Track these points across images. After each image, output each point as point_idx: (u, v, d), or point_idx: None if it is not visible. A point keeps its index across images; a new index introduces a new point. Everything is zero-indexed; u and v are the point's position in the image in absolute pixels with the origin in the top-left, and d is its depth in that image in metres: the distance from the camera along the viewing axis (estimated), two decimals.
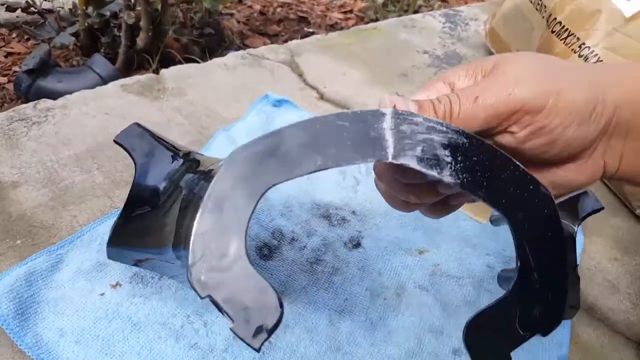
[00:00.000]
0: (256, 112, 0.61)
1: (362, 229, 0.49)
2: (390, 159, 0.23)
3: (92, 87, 0.62)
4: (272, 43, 0.87)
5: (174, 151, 0.38)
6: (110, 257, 0.37)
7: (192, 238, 0.21)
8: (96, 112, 0.57)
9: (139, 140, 0.37)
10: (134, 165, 0.36)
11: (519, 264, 0.24)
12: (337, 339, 0.40)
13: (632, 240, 0.55)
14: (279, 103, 0.62)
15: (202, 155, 0.40)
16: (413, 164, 0.24)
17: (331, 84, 0.70)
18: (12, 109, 0.56)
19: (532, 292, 0.24)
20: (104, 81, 0.72)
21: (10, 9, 1.00)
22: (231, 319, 0.21)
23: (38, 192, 0.46)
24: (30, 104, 0.57)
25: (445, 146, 0.24)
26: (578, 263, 0.50)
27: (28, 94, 0.87)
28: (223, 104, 0.63)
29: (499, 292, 0.45)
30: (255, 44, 0.78)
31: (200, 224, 0.22)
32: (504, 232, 0.51)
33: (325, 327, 0.40)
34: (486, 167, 0.24)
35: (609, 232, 0.55)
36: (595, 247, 0.53)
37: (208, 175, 0.31)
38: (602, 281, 0.49)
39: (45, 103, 0.57)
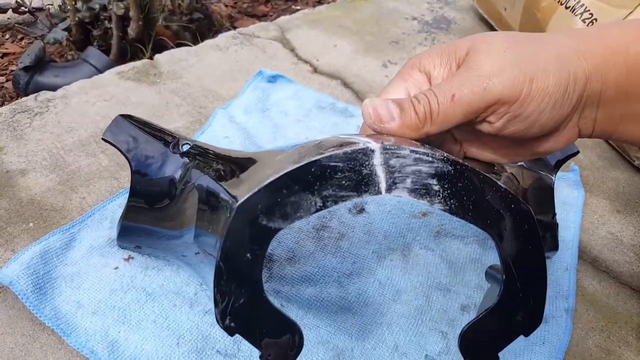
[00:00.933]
0: (252, 89, 0.61)
1: None
2: (384, 193, 0.25)
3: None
4: None
5: (165, 139, 0.38)
6: (122, 246, 0.40)
7: (214, 292, 0.24)
8: (96, 100, 0.58)
9: (124, 133, 0.37)
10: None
11: (504, 277, 0.27)
12: (347, 300, 0.41)
13: (632, 192, 0.55)
14: (273, 79, 0.63)
15: (194, 140, 0.40)
16: (405, 196, 0.25)
17: (323, 57, 0.71)
18: (14, 102, 0.57)
19: (515, 301, 0.27)
20: (100, 72, 0.73)
21: (1, 10, 1.00)
22: (259, 350, 0.25)
23: (46, 177, 0.47)
24: (31, 96, 0.58)
25: (432, 176, 0.25)
26: (580, 218, 0.50)
27: (27, 90, 0.88)
28: (219, 84, 0.63)
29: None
30: (245, 26, 0.78)
31: (219, 279, 0.24)
32: None
33: (335, 289, 0.41)
34: (471, 190, 0.26)
35: (610, 186, 0.55)
36: (596, 201, 0.53)
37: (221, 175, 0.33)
38: (606, 234, 0.50)
39: (45, 95, 0.58)
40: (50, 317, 0.35)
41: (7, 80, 1.00)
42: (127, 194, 0.45)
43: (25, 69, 0.87)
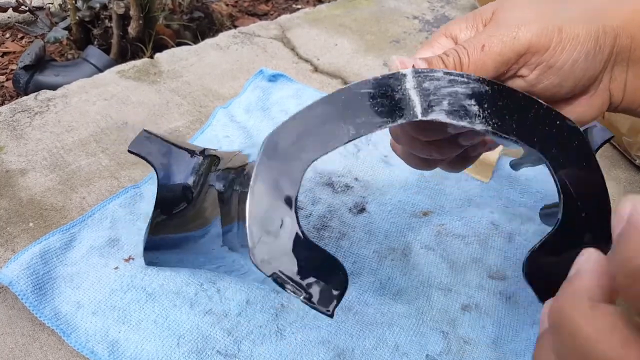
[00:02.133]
0: (252, 88, 0.61)
1: (366, 194, 0.50)
2: (420, 117, 0.24)
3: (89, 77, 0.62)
4: None
5: (189, 150, 0.39)
6: (149, 263, 0.39)
7: (247, 223, 0.22)
8: (96, 99, 0.58)
9: (151, 145, 0.37)
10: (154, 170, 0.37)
11: (562, 197, 0.25)
12: (348, 300, 0.40)
13: (634, 191, 0.55)
14: (274, 78, 0.63)
15: (214, 150, 0.41)
16: (443, 118, 0.24)
17: (324, 56, 0.71)
18: (14, 101, 0.57)
19: (579, 222, 0.25)
20: (100, 71, 0.73)
21: (1, 9, 1.00)
22: (299, 292, 0.22)
23: (46, 177, 0.47)
24: (31, 95, 0.58)
25: (470, 96, 0.24)
26: None
27: (27, 89, 0.87)
28: (219, 83, 0.63)
29: (505, 249, 0.45)
30: (246, 25, 0.78)
31: (252, 208, 0.22)
32: (507, 190, 0.52)
33: None
34: (512, 109, 0.25)
35: (611, 184, 0.55)
36: None
37: (242, 171, 0.32)
38: None
39: (45, 94, 0.58)
40: (50, 317, 0.35)
41: (7, 80, 1.00)
42: (127, 194, 0.45)
43: (26, 68, 0.87)
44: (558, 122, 0.25)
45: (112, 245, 0.41)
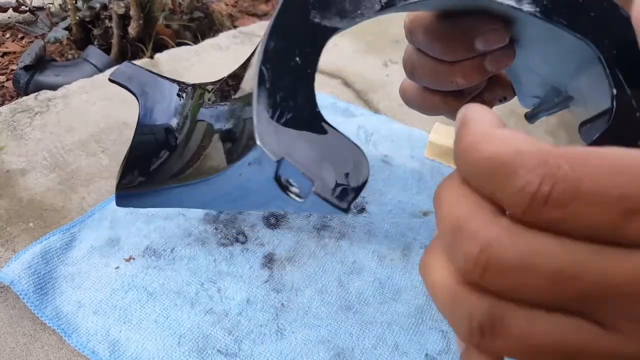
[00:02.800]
0: None
1: (366, 194, 0.50)
2: None
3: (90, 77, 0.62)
4: None
5: (178, 82, 0.34)
6: (120, 204, 0.34)
7: (254, 95, 0.18)
8: (96, 99, 0.58)
9: (136, 76, 0.33)
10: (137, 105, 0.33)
11: (614, 92, 0.23)
12: (348, 299, 0.41)
13: None
14: None
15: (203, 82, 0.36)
16: None
17: (324, 56, 0.69)
18: (14, 101, 0.57)
19: (635, 124, 0.23)
20: (101, 72, 0.73)
21: (1, 9, 1.00)
22: (311, 180, 0.18)
23: (46, 177, 0.47)
24: (31, 95, 0.58)
25: None
26: None
27: (27, 89, 0.88)
28: None
29: None
30: (246, 25, 0.79)
31: (262, 87, 0.18)
32: None
33: (335, 288, 0.41)
34: None
35: None
36: None
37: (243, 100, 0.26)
38: None
39: (45, 94, 0.58)
40: (51, 317, 0.35)
41: (7, 80, 1.00)
42: None
43: (26, 68, 0.87)
44: (610, 10, 0.23)
45: (113, 245, 0.41)
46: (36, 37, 1.00)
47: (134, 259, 0.40)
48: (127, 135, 0.53)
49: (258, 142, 0.18)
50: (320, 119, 0.19)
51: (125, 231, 0.42)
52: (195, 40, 1.05)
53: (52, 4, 1.10)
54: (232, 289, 0.39)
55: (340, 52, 0.72)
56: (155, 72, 0.36)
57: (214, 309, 0.38)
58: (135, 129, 0.32)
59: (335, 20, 0.20)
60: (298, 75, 0.19)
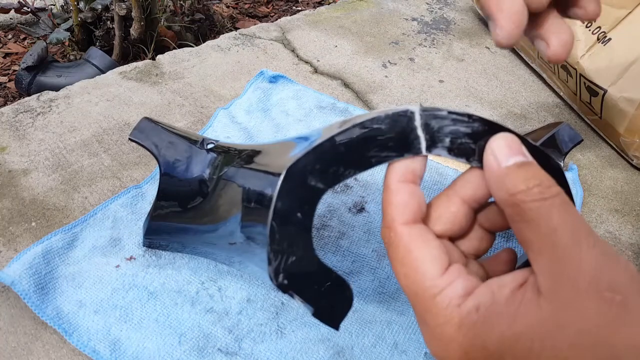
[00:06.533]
0: (253, 89, 0.62)
1: (365, 194, 0.50)
2: (424, 152, 0.26)
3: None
4: None
5: (193, 140, 0.39)
6: (148, 245, 0.41)
7: (267, 250, 0.25)
8: (98, 100, 0.58)
9: (153, 134, 0.38)
10: (152, 156, 0.37)
11: None
12: None
13: (631, 191, 0.55)
14: (274, 79, 0.63)
15: (217, 140, 0.41)
16: (444, 154, 0.26)
17: (324, 57, 0.71)
18: (16, 102, 0.57)
19: None
20: (103, 72, 0.73)
21: (3, 10, 1.01)
22: (311, 308, 0.26)
23: (48, 177, 0.48)
24: (34, 96, 0.58)
25: (469, 135, 0.26)
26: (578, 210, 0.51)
27: (29, 90, 0.88)
28: (220, 84, 0.64)
29: (503, 248, 0.46)
30: (246, 27, 0.79)
31: (273, 238, 0.25)
32: None
33: None
34: None
35: (608, 184, 0.56)
36: (595, 200, 0.53)
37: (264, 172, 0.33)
38: (604, 233, 0.50)
39: (47, 95, 0.58)
40: (52, 316, 0.36)
41: (9, 80, 1.01)
42: (129, 194, 0.46)
43: (28, 69, 0.88)
44: (544, 161, 0.26)
45: (114, 245, 0.41)
46: (38, 38, 1.01)
47: (134, 258, 0.40)
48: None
49: (274, 283, 0.25)
50: (317, 257, 0.26)
51: (127, 230, 0.43)
52: (197, 42, 1.06)
53: (54, 5, 1.10)
54: (233, 287, 0.40)
55: (340, 54, 0.73)
56: (171, 128, 0.39)
57: (215, 308, 0.38)
58: (159, 186, 0.37)
59: (328, 181, 0.25)
60: (299, 227, 0.25)
